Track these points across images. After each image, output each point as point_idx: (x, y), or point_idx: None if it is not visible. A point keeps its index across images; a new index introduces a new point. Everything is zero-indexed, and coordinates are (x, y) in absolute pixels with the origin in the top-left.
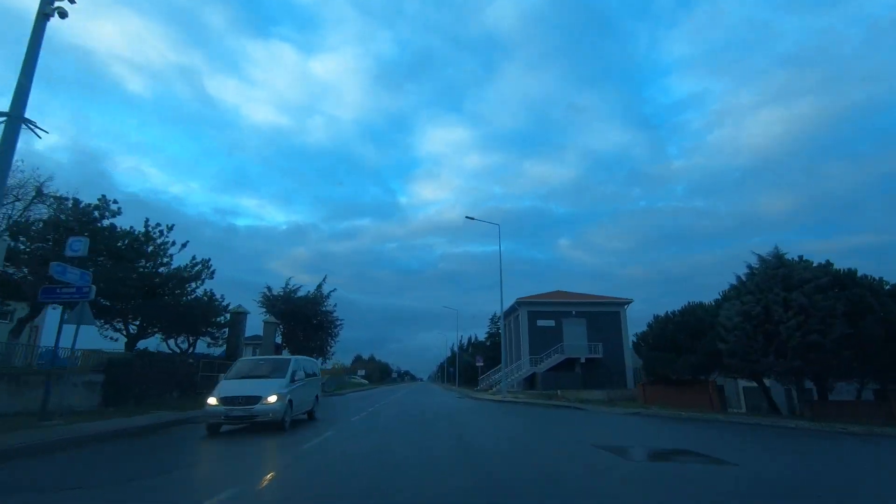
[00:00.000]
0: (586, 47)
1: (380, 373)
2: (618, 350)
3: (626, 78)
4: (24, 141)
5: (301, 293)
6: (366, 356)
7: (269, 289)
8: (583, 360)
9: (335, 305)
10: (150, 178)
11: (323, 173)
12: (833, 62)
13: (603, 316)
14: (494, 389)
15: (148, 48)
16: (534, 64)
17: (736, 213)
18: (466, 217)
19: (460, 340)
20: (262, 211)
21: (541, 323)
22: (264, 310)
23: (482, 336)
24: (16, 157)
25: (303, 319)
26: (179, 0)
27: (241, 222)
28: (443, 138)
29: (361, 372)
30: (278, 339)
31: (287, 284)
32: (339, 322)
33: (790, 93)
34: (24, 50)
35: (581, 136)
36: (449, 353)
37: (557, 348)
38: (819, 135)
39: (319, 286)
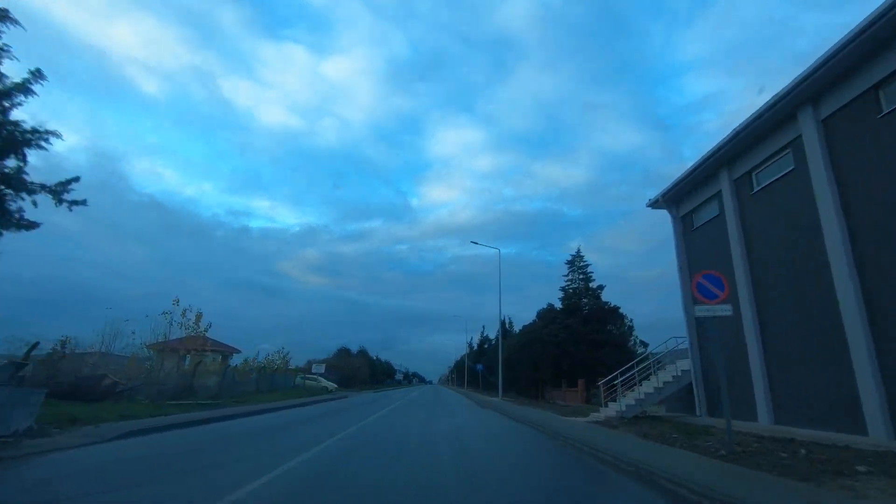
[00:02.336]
0: (599, 47)
1: (370, 372)
2: None
3: (640, 78)
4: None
5: None
6: (372, 355)
7: None
8: None
9: None
10: (165, 179)
11: (334, 175)
12: None
13: None
14: None
15: (162, 50)
16: (546, 64)
17: None
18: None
19: (482, 333)
20: (275, 212)
21: None
22: None
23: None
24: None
25: None
26: (193, 2)
27: (253, 224)
28: (454, 139)
29: (319, 368)
30: None
31: None
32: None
33: None
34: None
35: (594, 137)
36: (467, 350)
37: None
38: None
39: None
